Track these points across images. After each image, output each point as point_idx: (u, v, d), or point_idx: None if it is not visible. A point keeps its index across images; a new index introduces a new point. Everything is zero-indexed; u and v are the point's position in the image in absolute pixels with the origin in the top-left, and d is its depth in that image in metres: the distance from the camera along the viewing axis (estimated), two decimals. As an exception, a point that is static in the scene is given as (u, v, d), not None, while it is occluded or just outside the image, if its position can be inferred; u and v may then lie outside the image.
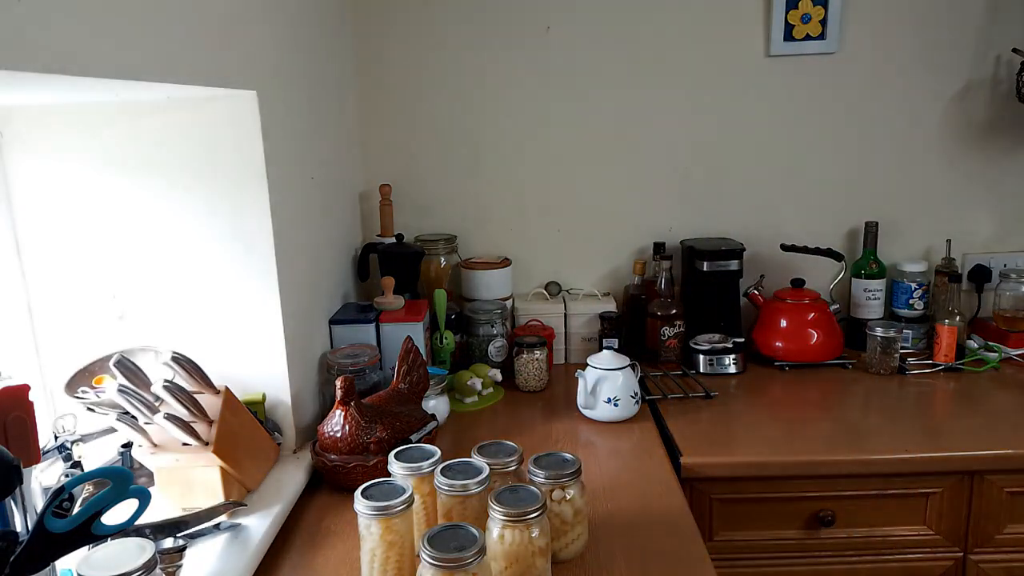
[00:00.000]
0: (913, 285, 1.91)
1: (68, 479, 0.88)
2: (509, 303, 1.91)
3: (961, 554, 1.47)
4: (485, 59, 1.92)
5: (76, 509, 0.78)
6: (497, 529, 0.94)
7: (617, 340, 1.81)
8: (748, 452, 1.42)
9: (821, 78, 1.91)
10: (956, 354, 1.79)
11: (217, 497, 1.11)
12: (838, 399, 1.66)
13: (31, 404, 0.90)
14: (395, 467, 1.06)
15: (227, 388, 1.16)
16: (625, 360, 1.56)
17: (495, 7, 1.89)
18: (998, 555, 1.47)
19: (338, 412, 1.26)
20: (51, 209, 1.24)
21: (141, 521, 0.89)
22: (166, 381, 1.07)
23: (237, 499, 1.14)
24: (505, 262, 1.92)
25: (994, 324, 1.91)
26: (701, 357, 1.82)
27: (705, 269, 1.85)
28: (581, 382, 1.55)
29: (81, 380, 1.19)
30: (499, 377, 1.73)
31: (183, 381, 1.12)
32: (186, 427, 1.07)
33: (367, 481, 1.00)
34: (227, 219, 1.24)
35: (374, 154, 1.97)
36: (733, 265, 1.85)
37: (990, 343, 1.86)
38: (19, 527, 0.84)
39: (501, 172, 1.98)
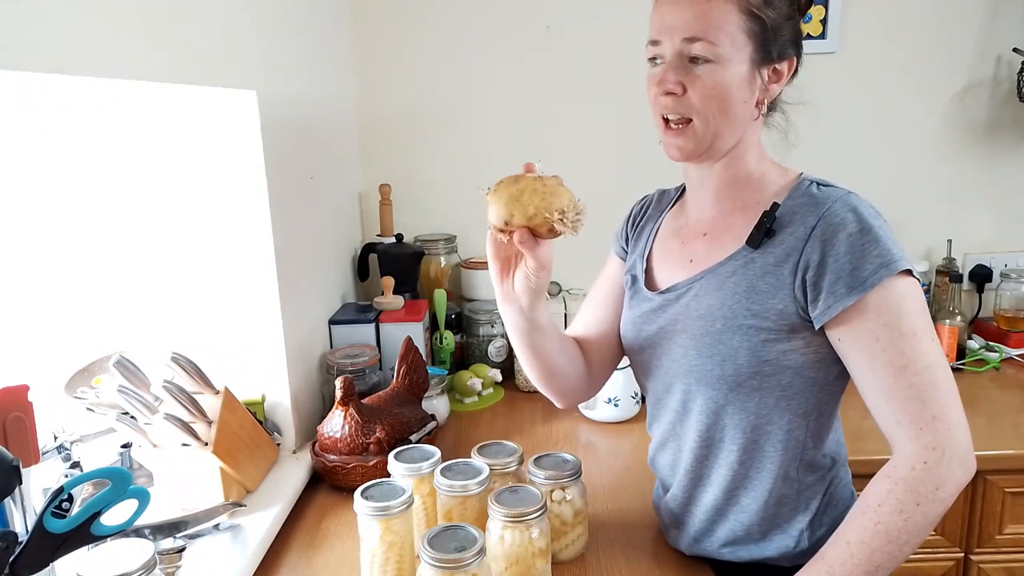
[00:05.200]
0: (913, 285, 1.91)
1: (67, 479, 0.88)
2: (509, 303, 1.91)
3: (962, 554, 1.47)
4: (485, 59, 1.92)
5: (75, 509, 0.78)
6: (497, 530, 0.93)
7: (617, 340, 1.81)
8: (748, 452, 1.41)
9: (821, 78, 1.90)
10: (957, 354, 1.79)
11: (216, 497, 1.11)
12: (838, 399, 1.66)
13: (30, 404, 0.90)
14: (395, 467, 1.06)
15: (227, 388, 1.16)
16: (625, 360, 1.56)
17: (494, 7, 1.89)
18: (999, 555, 1.47)
19: (338, 412, 1.26)
20: (51, 208, 1.23)
21: (140, 521, 0.89)
22: (166, 381, 1.07)
23: (236, 499, 1.14)
24: (505, 262, 1.91)
25: (995, 324, 1.91)
26: (701, 357, 1.82)
27: (705, 269, 1.85)
28: (581, 382, 1.55)
29: (81, 380, 1.18)
30: (499, 377, 1.73)
31: (183, 381, 1.12)
32: (186, 427, 1.06)
33: (367, 482, 0.99)
34: (227, 219, 1.24)
35: (374, 154, 1.97)
36: (733, 265, 1.85)
37: (991, 343, 1.86)
38: (19, 527, 0.84)
39: (501, 171, 1.97)
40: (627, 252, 1.13)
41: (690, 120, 0.90)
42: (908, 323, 0.83)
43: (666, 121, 0.93)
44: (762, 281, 0.90)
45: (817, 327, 0.87)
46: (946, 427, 0.82)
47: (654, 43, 0.92)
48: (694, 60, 0.88)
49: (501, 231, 0.89)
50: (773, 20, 0.89)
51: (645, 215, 1.13)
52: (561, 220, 0.86)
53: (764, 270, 0.90)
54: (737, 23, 0.87)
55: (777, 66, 0.92)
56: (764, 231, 0.90)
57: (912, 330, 0.83)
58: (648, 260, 1.07)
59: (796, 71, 0.95)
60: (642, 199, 1.17)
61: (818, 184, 0.93)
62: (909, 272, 0.85)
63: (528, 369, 1.09)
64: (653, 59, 0.94)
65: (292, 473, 1.27)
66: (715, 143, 0.92)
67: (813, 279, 0.86)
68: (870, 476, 0.87)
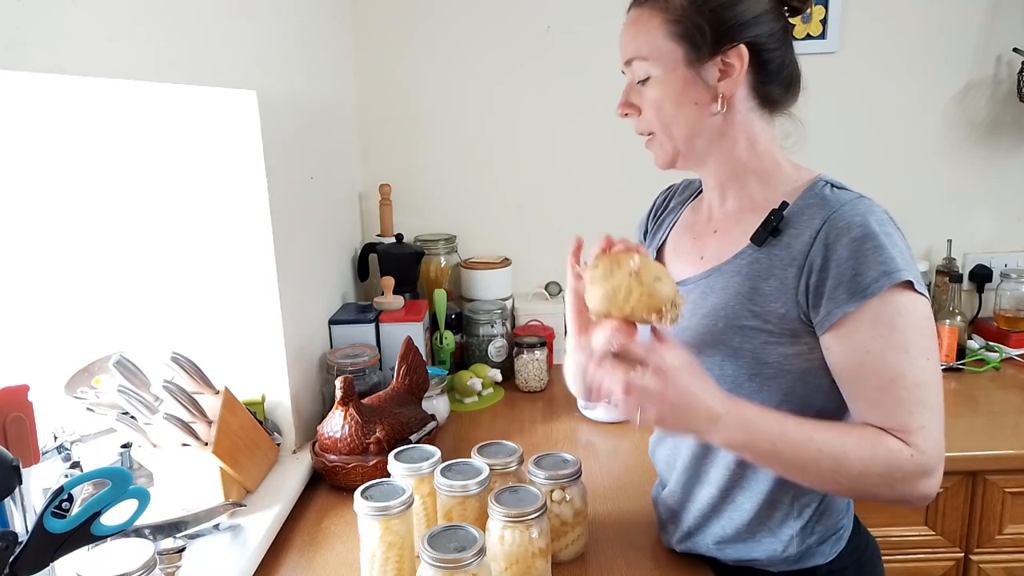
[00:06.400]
0: (914, 285, 1.91)
1: (67, 479, 0.89)
2: (509, 303, 1.91)
3: (962, 554, 1.47)
4: (485, 58, 1.92)
5: (75, 509, 0.78)
6: (497, 530, 0.93)
7: (617, 340, 1.81)
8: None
9: (821, 78, 1.91)
10: (957, 354, 1.79)
11: (216, 497, 1.11)
12: (838, 399, 1.66)
13: (30, 404, 0.90)
14: (395, 467, 1.06)
15: (227, 388, 1.16)
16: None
17: (495, 6, 1.89)
18: (999, 555, 1.47)
19: (338, 412, 1.26)
20: (51, 208, 1.23)
21: (140, 522, 0.89)
22: (166, 381, 1.07)
23: (236, 499, 1.14)
24: (505, 262, 1.91)
25: (995, 324, 1.91)
26: (701, 357, 1.82)
27: (705, 269, 1.85)
28: (581, 382, 1.55)
29: (81, 380, 1.19)
30: (499, 377, 1.72)
31: (183, 381, 1.12)
32: (185, 427, 1.06)
33: (367, 482, 0.99)
34: (227, 219, 1.24)
35: (374, 154, 1.97)
36: (733, 265, 1.85)
37: (991, 343, 1.86)
38: (19, 527, 0.84)
39: (501, 172, 1.98)
40: (646, 245, 1.14)
41: (652, 133, 0.95)
42: (901, 338, 0.81)
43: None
44: (766, 283, 0.89)
45: (819, 333, 0.86)
46: (935, 441, 0.81)
47: (623, 73, 0.96)
48: (640, 80, 0.92)
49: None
50: (695, 19, 0.87)
51: (667, 208, 1.13)
52: (659, 319, 0.82)
53: (769, 272, 0.89)
54: (662, 32, 0.89)
55: (724, 58, 0.89)
56: (770, 229, 0.89)
57: (904, 345, 0.81)
58: (660, 253, 1.08)
59: (768, 56, 0.91)
60: (667, 189, 1.17)
61: (833, 186, 0.91)
62: (914, 287, 0.82)
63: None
64: None
65: (292, 473, 1.27)
66: (685, 148, 0.94)
67: (815, 284, 0.84)
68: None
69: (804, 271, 0.85)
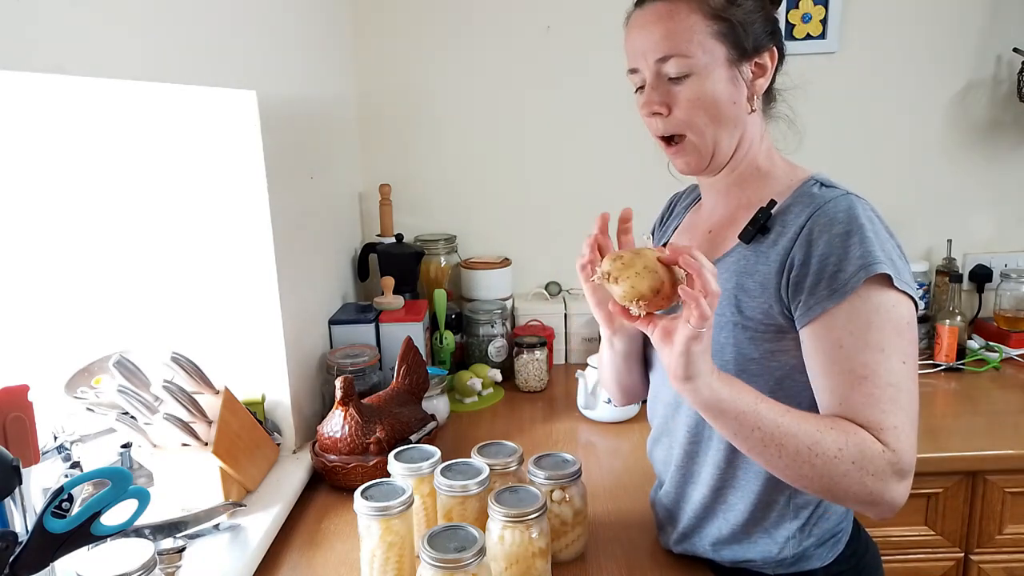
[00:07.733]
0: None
1: (68, 479, 0.88)
2: (509, 303, 1.91)
3: (962, 554, 1.47)
4: (485, 58, 1.92)
5: (76, 509, 0.78)
6: (497, 530, 0.93)
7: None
8: (748, 452, 1.41)
9: (821, 78, 1.90)
10: (957, 354, 1.79)
11: (216, 497, 1.11)
12: (838, 399, 1.66)
13: (30, 404, 0.90)
14: (395, 467, 1.06)
15: (227, 388, 1.16)
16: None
17: (495, 6, 1.89)
18: (999, 555, 1.47)
19: (338, 412, 1.26)
20: (52, 209, 1.23)
21: (140, 522, 0.89)
22: (166, 381, 1.07)
23: (236, 499, 1.14)
24: (505, 262, 1.91)
25: (995, 324, 1.91)
26: (701, 357, 1.82)
27: (705, 269, 1.85)
28: (581, 382, 1.55)
29: (81, 380, 1.19)
30: (499, 377, 1.72)
31: (183, 381, 1.12)
32: (185, 427, 1.06)
33: (367, 481, 1.00)
34: (227, 219, 1.24)
35: (374, 154, 1.97)
36: (733, 265, 1.85)
37: (991, 343, 1.86)
38: (19, 527, 0.84)
39: (501, 172, 1.98)
40: None
41: (684, 136, 0.91)
42: (877, 337, 0.80)
43: (665, 140, 0.94)
44: (751, 280, 0.89)
45: (799, 328, 0.85)
46: (908, 443, 0.79)
47: (632, 71, 0.93)
48: (673, 78, 0.89)
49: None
50: (740, 17, 0.88)
51: (672, 214, 1.14)
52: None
53: (755, 269, 0.89)
54: (704, 30, 0.87)
55: (758, 60, 0.91)
56: (758, 227, 0.89)
57: (879, 344, 0.80)
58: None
59: (782, 60, 0.94)
60: (672, 196, 1.18)
61: (822, 184, 0.91)
62: (895, 284, 0.81)
63: (620, 379, 1.07)
64: (638, 87, 0.94)
65: (292, 473, 1.27)
66: (717, 150, 0.92)
67: (796, 279, 0.84)
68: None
69: (786, 267, 0.85)
